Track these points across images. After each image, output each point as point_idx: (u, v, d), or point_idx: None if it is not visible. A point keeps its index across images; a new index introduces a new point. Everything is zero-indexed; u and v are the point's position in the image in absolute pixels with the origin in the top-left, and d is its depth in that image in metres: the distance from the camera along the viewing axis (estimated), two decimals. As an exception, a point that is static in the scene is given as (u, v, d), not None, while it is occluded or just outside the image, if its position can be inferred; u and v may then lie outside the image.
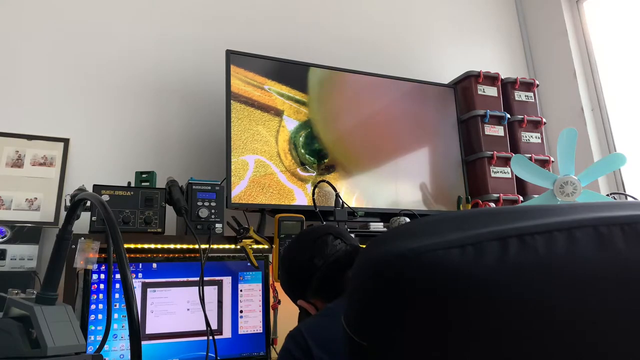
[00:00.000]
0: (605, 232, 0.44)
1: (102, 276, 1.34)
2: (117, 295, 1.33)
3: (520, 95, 2.15)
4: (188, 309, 1.41)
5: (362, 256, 0.47)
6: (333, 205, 1.53)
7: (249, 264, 1.47)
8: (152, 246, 1.42)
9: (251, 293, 1.50)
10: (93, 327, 1.30)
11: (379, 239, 0.47)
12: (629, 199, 1.92)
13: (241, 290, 1.49)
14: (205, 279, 1.42)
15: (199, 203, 1.42)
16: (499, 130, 2.03)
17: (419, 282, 0.42)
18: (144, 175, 1.47)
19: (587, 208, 0.48)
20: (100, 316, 1.32)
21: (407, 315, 0.42)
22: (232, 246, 1.45)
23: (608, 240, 0.44)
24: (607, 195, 1.84)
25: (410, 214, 1.71)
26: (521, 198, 1.95)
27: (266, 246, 1.46)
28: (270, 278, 1.49)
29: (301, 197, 1.67)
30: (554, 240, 0.43)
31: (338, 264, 1.01)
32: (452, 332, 0.42)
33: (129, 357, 0.53)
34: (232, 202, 1.53)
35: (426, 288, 0.41)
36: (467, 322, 0.41)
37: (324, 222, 1.42)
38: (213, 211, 1.43)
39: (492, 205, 1.90)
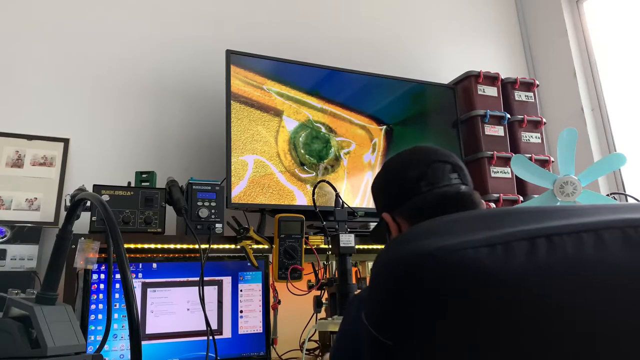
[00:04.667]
0: (632, 234, 0.44)
1: (102, 276, 1.34)
2: (117, 295, 1.33)
3: (520, 95, 2.15)
4: (188, 309, 1.41)
5: (386, 254, 0.46)
6: (333, 205, 1.53)
7: (249, 264, 1.47)
8: (152, 246, 1.42)
9: (251, 293, 1.50)
10: (93, 327, 1.30)
11: (403, 237, 0.46)
12: (629, 199, 1.92)
13: (241, 290, 1.49)
14: (205, 279, 1.42)
15: (199, 203, 1.42)
16: (499, 130, 2.03)
17: (448, 281, 0.41)
18: (144, 175, 1.47)
19: (614, 209, 0.47)
20: (100, 316, 1.32)
21: (437, 315, 0.41)
22: (232, 246, 1.45)
23: (635, 241, 0.44)
24: (607, 195, 1.84)
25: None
26: (521, 198, 1.95)
27: (266, 246, 1.46)
28: (270, 278, 1.49)
29: (301, 197, 1.67)
30: (582, 241, 0.43)
31: (443, 200, 0.86)
32: (482, 331, 0.41)
33: (129, 357, 0.53)
34: (232, 202, 1.53)
35: (455, 288, 0.41)
36: (497, 322, 0.41)
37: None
38: (213, 211, 1.43)
39: (493, 205, 1.90)
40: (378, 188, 1.00)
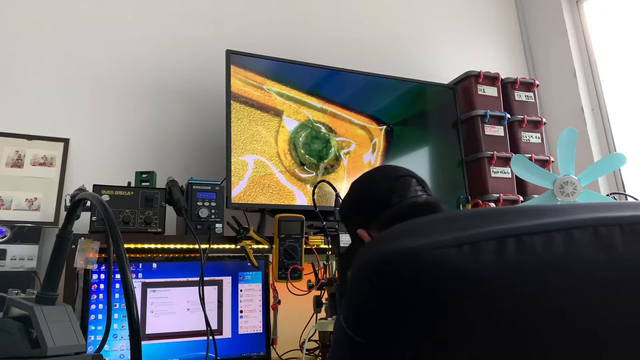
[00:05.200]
0: (604, 233, 0.44)
1: (102, 276, 1.34)
2: (117, 295, 1.33)
3: (520, 95, 2.15)
4: (188, 309, 1.41)
5: (362, 255, 0.47)
6: (333, 205, 1.53)
7: (249, 264, 1.47)
8: (152, 246, 1.42)
9: (251, 293, 1.50)
10: (93, 327, 1.30)
11: (378, 238, 0.47)
12: (629, 199, 1.92)
13: (241, 290, 1.49)
14: (205, 279, 1.42)
15: (199, 203, 1.42)
16: (499, 130, 2.03)
17: (417, 280, 0.42)
18: (144, 175, 1.47)
19: (586, 208, 0.48)
20: (100, 316, 1.32)
21: (406, 313, 0.42)
22: (232, 246, 1.45)
23: (607, 240, 0.44)
24: (607, 195, 1.84)
25: (410, 214, 1.70)
26: (521, 198, 1.95)
27: (266, 246, 1.46)
28: (270, 278, 1.49)
29: (301, 197, 1.67)
30: (553, 240, 0.43)
31: (414, 209, 0.93)
32: (451, 329, 0.42)
33: (129, 357, 0.53)
34: (232, 202, 1.53)
35: (424, 286, 0.42)
36: (465, 320, 0.42)
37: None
38: (213, 211, 1.43)
39: (493, 205, 1.90)
40: (349, 208, 1.05)
